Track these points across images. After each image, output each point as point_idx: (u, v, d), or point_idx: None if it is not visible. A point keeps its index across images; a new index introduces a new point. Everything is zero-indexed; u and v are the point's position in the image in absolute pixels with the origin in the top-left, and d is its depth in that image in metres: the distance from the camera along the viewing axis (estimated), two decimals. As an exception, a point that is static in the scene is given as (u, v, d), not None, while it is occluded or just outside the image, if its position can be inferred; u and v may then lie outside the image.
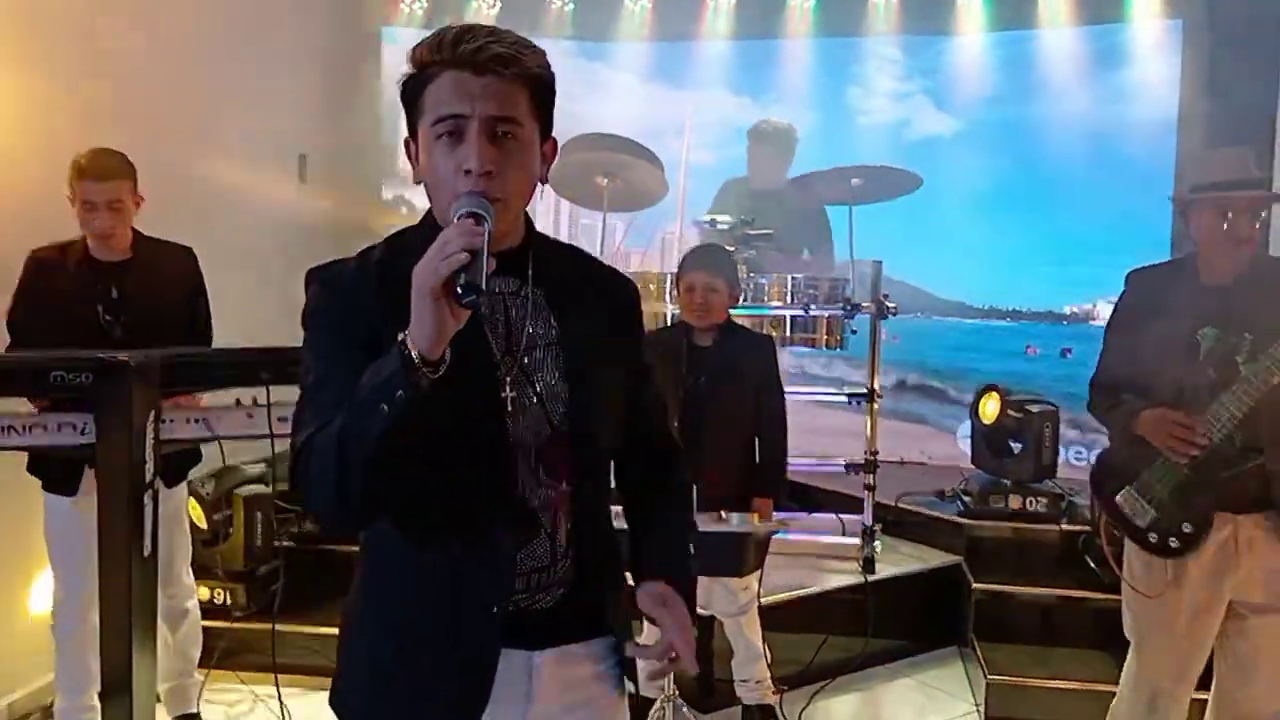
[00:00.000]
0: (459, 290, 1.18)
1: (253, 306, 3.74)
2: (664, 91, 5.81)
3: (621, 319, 1.56)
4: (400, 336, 1.20)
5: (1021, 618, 4.13)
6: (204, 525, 4.04)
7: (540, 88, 1.38)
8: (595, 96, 5.79)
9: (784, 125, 5.88)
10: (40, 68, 3.62)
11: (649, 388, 1.60)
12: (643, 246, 5.55)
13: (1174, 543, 2.65)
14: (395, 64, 5.87)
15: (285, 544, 4.33)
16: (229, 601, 4.13)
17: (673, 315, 4.18)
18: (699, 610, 3.46)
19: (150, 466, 2.72)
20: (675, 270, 3.51)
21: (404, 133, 1.43)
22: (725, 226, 4.53)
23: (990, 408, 4.71)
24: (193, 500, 3.92)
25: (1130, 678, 2.82)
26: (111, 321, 3.12)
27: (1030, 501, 4.54)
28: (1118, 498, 2.73)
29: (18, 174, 3.53)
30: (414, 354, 1.19)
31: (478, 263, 1.19)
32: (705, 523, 3.03)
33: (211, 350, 2.96)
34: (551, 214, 6.07)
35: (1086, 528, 4.44)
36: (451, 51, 1.32)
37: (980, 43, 5.41)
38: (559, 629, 1.48)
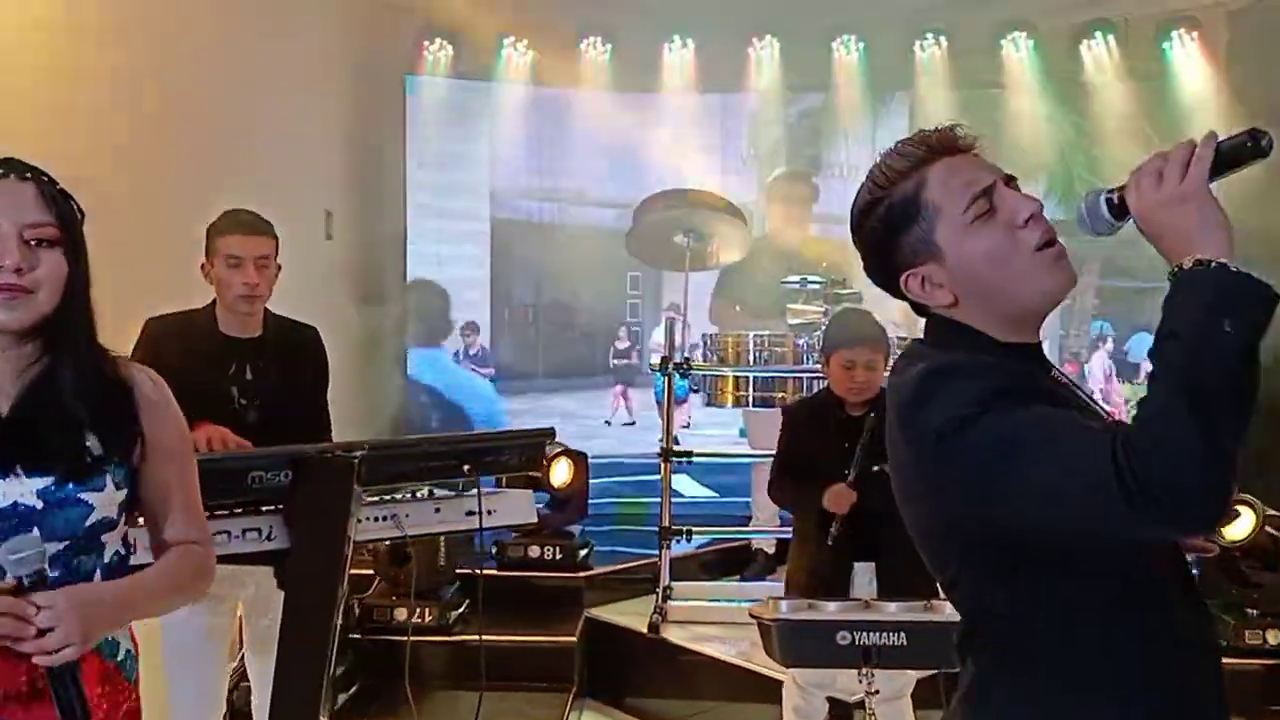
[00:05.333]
0: (1250, 142, 1.17)
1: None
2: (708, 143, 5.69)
3: None
4: (1185, 265, 1.14)
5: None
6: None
7: None
8: (633, 150, 5.62)
9: (804, 172, 5.75)
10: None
11: None
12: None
13: None
14: (418, 113, 5.72)
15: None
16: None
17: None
18: (846, 696, 3.31)
19: (346, 581, 2.40)
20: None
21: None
22: (816, 286, 4.39)
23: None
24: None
25: None
26: (246, 406, 2.75)
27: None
28: None
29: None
30: (1230, 265, 1.13)
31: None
32: (913, 612, 2.86)
33: (410, 440, 2.65)
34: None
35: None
36: (934, 145, 1.35)
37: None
38: None
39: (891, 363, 1.51)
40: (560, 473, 4.26)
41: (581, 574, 4.69)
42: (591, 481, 4.67)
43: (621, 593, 4.75)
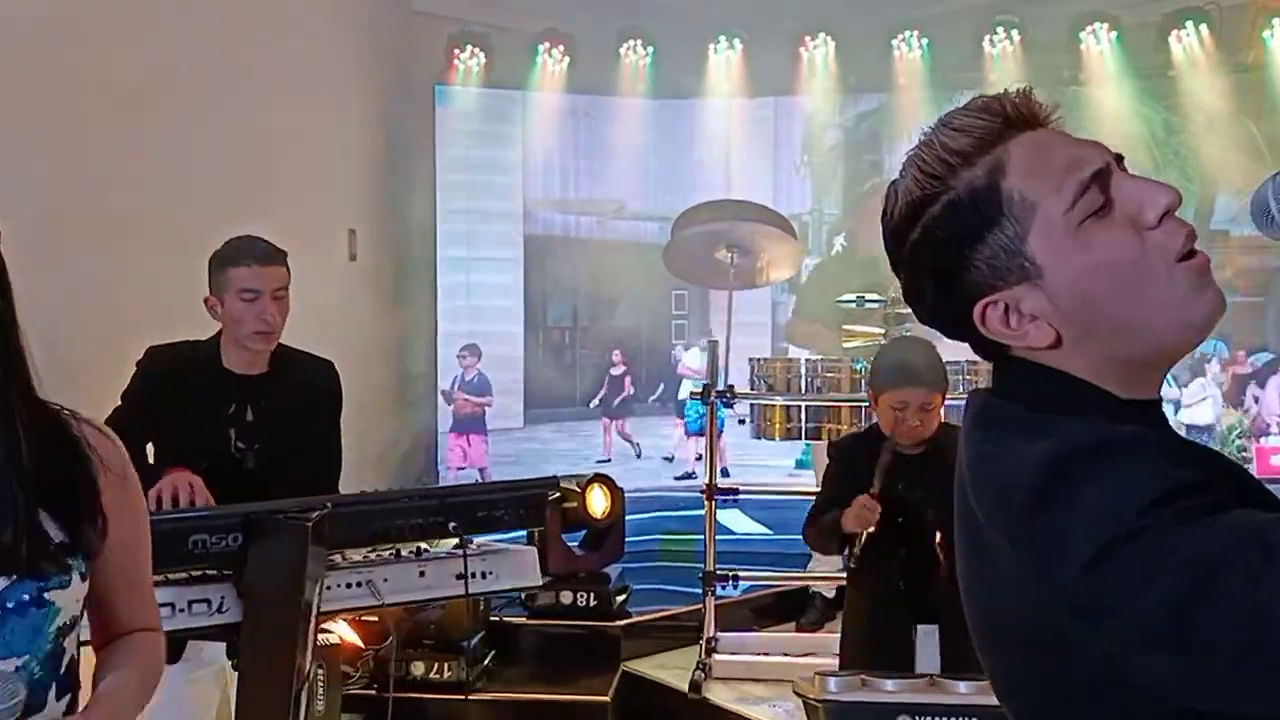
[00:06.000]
0: None
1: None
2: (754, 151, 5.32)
3: None
4: None
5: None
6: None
7: None
8: (676, 159, 5.27)
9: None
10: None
11: None
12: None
13: None
14: (448, 124, 5.44)
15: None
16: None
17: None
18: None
19: (310, 654, 2.05)
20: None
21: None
22: (876, 304, 3.97)
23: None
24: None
25: None
26: (244, 450, 2.46)
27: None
28: None
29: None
30: None
31: None
32: (985, 693, 2.42)
33: (385, 494, 2.31)
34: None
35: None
36: (1009, 115, 0.91)
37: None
38: None
39: (965, 421, 1.00)
40: (598, 502, 3.87)
41: (618, 622, 4.30)
42: (629, 518, 4.30)
43: (662, 643, 4.35)
